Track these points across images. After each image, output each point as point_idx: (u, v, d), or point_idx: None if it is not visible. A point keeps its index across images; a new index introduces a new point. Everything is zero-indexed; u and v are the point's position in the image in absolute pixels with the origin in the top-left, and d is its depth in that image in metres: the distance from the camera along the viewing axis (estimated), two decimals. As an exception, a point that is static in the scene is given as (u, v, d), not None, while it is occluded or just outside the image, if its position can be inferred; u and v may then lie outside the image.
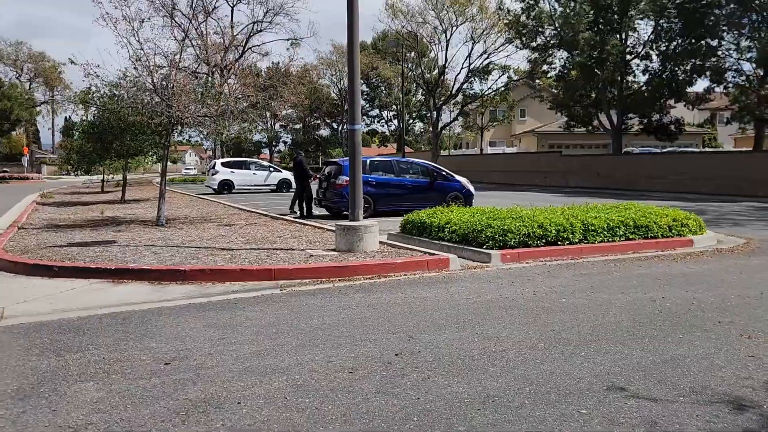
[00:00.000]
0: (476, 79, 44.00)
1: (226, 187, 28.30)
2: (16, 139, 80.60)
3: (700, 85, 36.72)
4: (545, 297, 6.49)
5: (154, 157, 22.70)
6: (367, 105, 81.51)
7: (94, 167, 25.74)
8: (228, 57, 37.43)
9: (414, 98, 76.80)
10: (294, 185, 30.72)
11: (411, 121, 79.39)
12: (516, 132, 58.86)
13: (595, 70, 32.55)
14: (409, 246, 10.04)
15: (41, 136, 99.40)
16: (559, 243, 9.52)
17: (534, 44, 35.09)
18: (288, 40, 44.23)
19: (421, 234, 10.60)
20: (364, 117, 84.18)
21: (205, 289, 7.43)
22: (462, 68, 42.47)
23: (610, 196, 25.50)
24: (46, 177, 64.69)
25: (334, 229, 12.39)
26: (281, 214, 16.52)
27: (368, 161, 15.97)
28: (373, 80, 77.63)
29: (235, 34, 36.98)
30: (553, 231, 9.52)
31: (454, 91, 43.03)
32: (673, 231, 10.46)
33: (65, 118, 71.82)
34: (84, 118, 19.77)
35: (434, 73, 45.87)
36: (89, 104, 15.71)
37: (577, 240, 9.59)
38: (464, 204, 16.48)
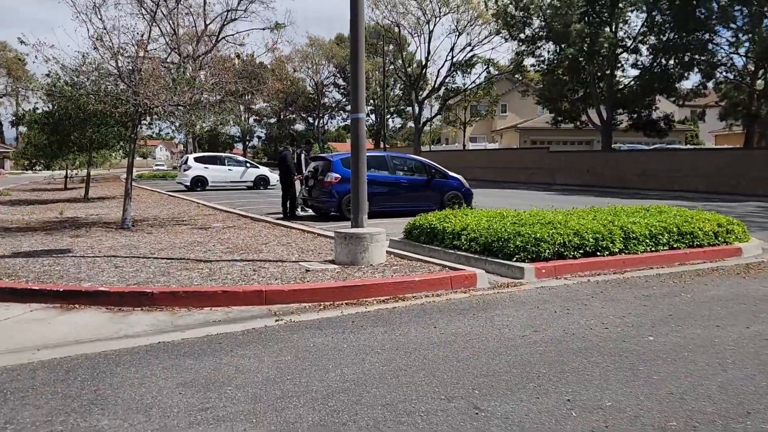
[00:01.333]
0: (459, 72, 42.70)
1: (199, 183, 26.46)
2: (-26, 133, 76.90)
3: (691, 80, 35.83)
4: (623, 333, 5.06)
5: (121, 151, 20.83)
6: (344, 99, 79.84)
7: (55, 162, 23.73)
8: (200, 48, 35.40)
9: (392, 92, 75.42)
10: (273, 181, 29.32)
11: (389, 116, 77.93)
12: (497, 127, 57.76)
13: (585, 64, 31.44)
14: (420, 256, 8.56)
15: (4, 130, 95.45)
16: (599, 253, 8.13)
17: (522, 36, 33.82)
18: (264, 29, 42.27)
19: (432, 241, 9.12)
20: (340, 111, 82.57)
21: (178, 317, 5.85)
22: (445, 61, 41.22)
23: (603, 195, 24.38)
24: (8, 173, 61.61)
25: (326, 234, 10.88)
26: (263, 215, 14.90)
27: (360, 157, 14.43)
28: (350, 74, 76.02)
29: (207, 22, 35.06)
30: (591, 239, 8.13)
31: (436, 85, 41.59)
32: (719, 238, 9.17)
33: (16, 109, 68.12)
34: (37, 107, 17.73)
35: (414, 66, 44.44)
36: (37, 90, 13.73)
37: (617, 250, 8.22)
38: (463, 204, 15.06)
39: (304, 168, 15.51)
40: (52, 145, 17.66)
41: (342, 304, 6.30)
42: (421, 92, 42.62)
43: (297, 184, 15.15)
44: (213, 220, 14.52)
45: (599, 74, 32.68)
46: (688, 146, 43.16)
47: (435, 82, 41.29)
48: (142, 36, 12.30)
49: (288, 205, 15.15)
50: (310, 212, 15.48)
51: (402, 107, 71.29)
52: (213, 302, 6.23)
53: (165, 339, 5.12)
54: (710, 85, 33.18)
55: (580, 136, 48.94)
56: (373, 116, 78.30)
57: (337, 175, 13.77)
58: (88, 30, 11.76)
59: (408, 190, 14.40)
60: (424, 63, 40.45)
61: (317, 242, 10.11)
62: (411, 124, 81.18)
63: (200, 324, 5.63)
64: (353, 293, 6.50)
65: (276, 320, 5.67)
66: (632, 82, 33.32)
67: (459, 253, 8.38)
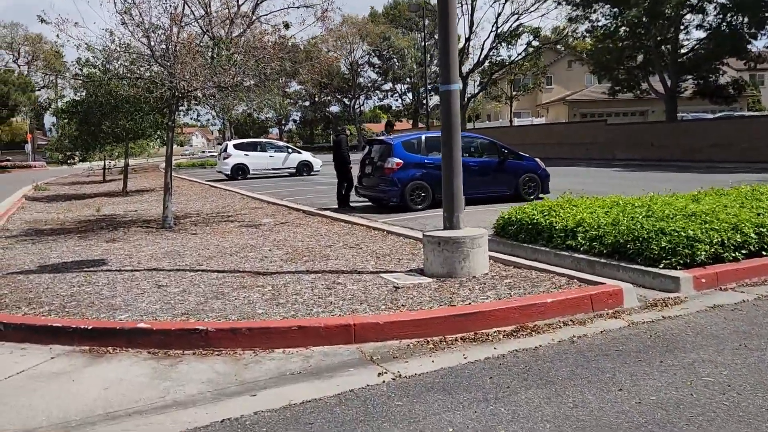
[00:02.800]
0: (504, 44, 40.32)
1: (240, 172, 25.14)
2: (17, 126, 77.63)
3: (762, 41, 32.75)
4: None
5: (158, 140, 19.56)
6: (380, 79, 77.84)
7: (91, 154, 22.65)
8: (234, 30, 33.90)
9: (430, 69, 73.03)
10: (317, 167, 27.84)
11: (426, 94, 75.68)
12: (542, 101, 55.11)
13: (649, 27, 28.85)
14: (526, 261, 6.88)
15: (45, 122, 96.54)
16: (764, 253, 6.32)
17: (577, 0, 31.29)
18: (299, 7, 40.25)
19: (535, 240, 7.42)
20: (376, 91, 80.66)
21: (242, 367, 4.33)
22: (490, 33, 38.78)
23: (675, 169, 22.15)
24: (49, 165, 61.82)
25: (397, 231, 9.28)
26: (315, 208, 13.37)
27: (422, 138, 12.72)
28: (385, 52, 73.90)
29: (240, 2, 33.22)
30: (753, 235, 6.32)
31: (481, 58, 39.38)
32: None
33: (47, 99, 67.70)
34: (63, 94, 16.41)
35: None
36: (65, 77, 12.22)
37: (788, 247, 6.39)
38: (540, 188, 13.28)
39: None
40: (83, 136, 16.40)
41: (456, 340, 4.68)
42: (465, 66, 40.41)
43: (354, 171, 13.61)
44: (261, 214, 13.06)
45: (661, 38, 30.03)
46: (764, 113, 39.90)
47: (480, 55, 39.12)
48: (175, 9, 10.79)
49: (344, 193, 13.63)
50: (364, 201, 13.89)
51: (438, 85, 68.98)
52: (286, 342, 4.68)
53: (230, 412, 3.58)
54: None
55: (634, 107, 46.13)
56: (410, 95, 76.30)
57: (399, 161, 12.11)
58: (115, 3, 10.31)
59: (478, 175, 12.66)
60: (467, 35, 38.20)
61: (391, 243, 8.51)
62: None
63: (274, 378, 4.09)
64: (468, 323, 4.87)
65: (378, 373, 4.08)
66: (699, 45, 30.57)
67: (577, 256, 6.66)
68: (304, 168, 26.29)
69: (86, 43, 10.42)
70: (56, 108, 15.65)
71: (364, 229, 9.93)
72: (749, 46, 30.68)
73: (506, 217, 8.13)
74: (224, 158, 25.45)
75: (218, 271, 7.07)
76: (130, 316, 5.29)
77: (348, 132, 14.65)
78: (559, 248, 7.01)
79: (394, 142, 12.45)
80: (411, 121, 72.07)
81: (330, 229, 10.27)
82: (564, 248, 6.96)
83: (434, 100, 78.14)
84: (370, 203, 13.71)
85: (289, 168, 26.16)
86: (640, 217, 6.74)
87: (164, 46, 10.91)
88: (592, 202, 8.13)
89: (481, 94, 48.56)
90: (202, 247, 8.86)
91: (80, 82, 13.67)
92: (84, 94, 13.91)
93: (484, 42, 39.56)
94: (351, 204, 13.81)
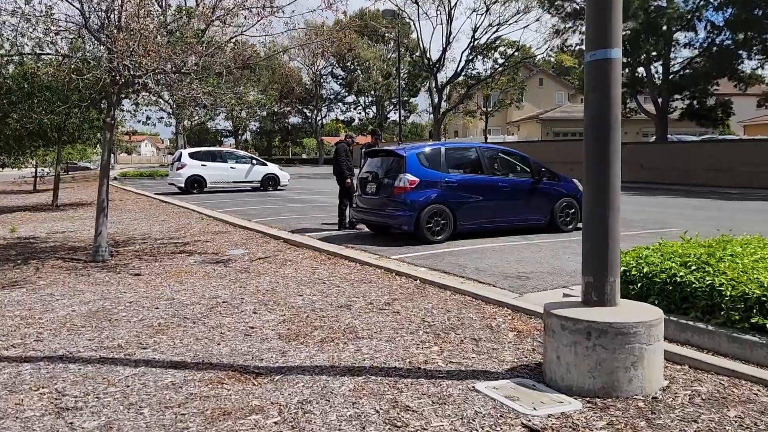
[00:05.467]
0: (481, 57, 38.22)
1: (195, 185, 21.82)
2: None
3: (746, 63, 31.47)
4: None
5: (99, 146, 16.23)
6: (343, 90, 75.15)
7: (20, 159, 19.06)
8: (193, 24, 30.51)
9: (394, 83, 70.80)
10: (284, 182, 24.79)
11: (390, 108, 73.42)
12: (513, 119, 53.44)
13: (645, 41, 27.05)
14: (691, 353, 4.17)
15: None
16: None
17: (568, 8, 29.31)
18: (257, 7, 37.22)
19: (677, 308, 4.71)
20: (339, 104, 77.88)
21: None
22: (468, 45, 36.53)
23: (676, 194, 20.18)
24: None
25: (436, 280, 6.45)
26: (300, 233, 10.40)
27: (442, 150, 9.93)
28: (349, 63, 71.35)
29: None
30: None
31: (458, 70, 37.05)
32: None
33: None
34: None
35: (427, 51, 39.77)
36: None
37: None
38: (579, 217, 10.71)
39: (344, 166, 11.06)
40: (-1, 136, 12.94)
41: None
42: (438, 79, 38.05)
43: (354, 184, 10.79)
44: (229, 242, 10.01)
45: (656, 54, 28.36)
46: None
47: (457, 67, 36.75)
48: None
49: (346, 214, 10.92)
50: (362, 228, 11.05)
51: (405, 98, 66.78)
52: None
53: None
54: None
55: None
56: (374, 108, 73.83)
57: (414, 178, 9.31)
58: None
59: (509, 198, 9.99)
60: (444, 45, 35.92)
61: (438, 301, 5.68)
62: (414, 117, 76.82)
63: None
64: None
65: None
66: (692, 62, 29.04)
67: (780, 345, 3.98)
68: (270, 182, 23.18)
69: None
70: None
71: (382, 274, 7.05)
72: (741, 66, 29.37)
73: (650, 277, 5.37)
74: (178, 168, 22.07)
75: (175, 366, 4.07)
76: None
77: (352, 139, 11.69)
78: (738, 328, 4.31)
79: (407, 153, 9.62)
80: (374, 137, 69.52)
81: (332, 270, 7.35)
82: (750, 330, 4.27)
83: (393, 117, 75.92)
84: (368, 230, 10.87)
85: (252, 181, 22.99)
86: None
87: (103, 13, 7.88)
88: (748, 247, 5.48)
89: (459, 108, 46.37)
90: (147, 304, 5.82)
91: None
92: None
93: (462, 53, 37.18)
94: (346, 225, 11.00)
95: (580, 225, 10.76)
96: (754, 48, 27.95)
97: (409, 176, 9.35)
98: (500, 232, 10.03)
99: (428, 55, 36.50)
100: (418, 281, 6.55)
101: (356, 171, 11.04)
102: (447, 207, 9.44)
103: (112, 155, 63.39)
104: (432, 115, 38.49)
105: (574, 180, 11.11)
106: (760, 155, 24.17)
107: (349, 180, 10.92)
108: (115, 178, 34.25)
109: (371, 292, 6.14)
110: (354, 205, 10.47)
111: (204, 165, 22.23)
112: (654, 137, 37.42)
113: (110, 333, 4.84)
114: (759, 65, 29.52)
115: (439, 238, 9.36)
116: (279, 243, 9.83)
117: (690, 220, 12.52)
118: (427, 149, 9.91)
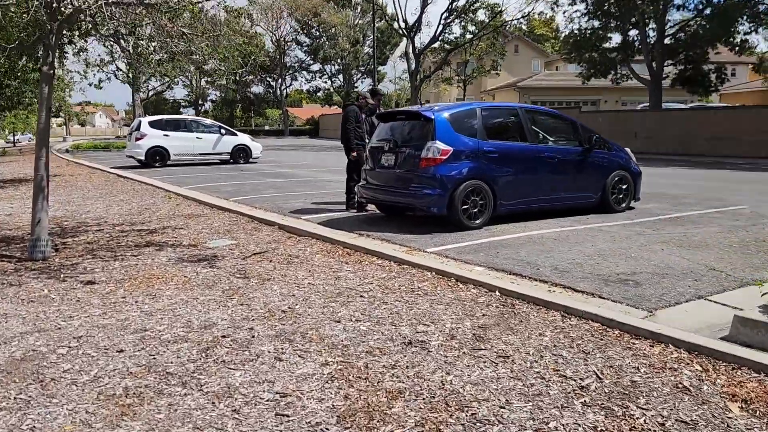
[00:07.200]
0: (459, 20, 36.08)
1: (157, 157, 19.34)
2: None
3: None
4: None
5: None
6: (308, 59, 71.86)
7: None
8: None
9: (362, 50, 67.94)
10: (256, 153, 22.44)
11: (358, 77, 70.62)
12: (488, 87, 51.57)
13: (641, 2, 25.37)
14: None
15: None
16: None
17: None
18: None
19: None
20: (303, 72, 74.58)
21: None
22: (446, 9, 34.28)
23: (669, 164, 18.84)
24: None
25: (525, 292, 4.52)
26: (295, 216, 8.36)
27: (478, 111, 7.95)
28: (315, 30, 68.08)
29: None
30: None
31: (437, 34, 34.81)
32: None
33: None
34: None
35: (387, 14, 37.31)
36: None
37: None
38: (633, 194, 8.96)
39: (367, 135, 9.01)
40: None
41: None
42: (419, 43, 35.78)
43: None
44: (209, 229, 7.92)
45: (652, 16, 26.75)
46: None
47: (436, 31, 34.46)
48: None
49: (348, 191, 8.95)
50: (371, 208, 9.08)
51: (372, 67, 64.18)
52: None
53: None
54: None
55: (585, 96, 43.41)
56: (340, 77, 70.91)
57: (447, 147, 7.33)
58: None
59: (557, 172, 8.13)
60: (421, 5, 33.58)
61: (556, 333, 3.81)
62: (382, 86, 74.02)
63: None
64: None
65: None
66: (690, 25, 27.51)
67: None
68: (241, 154, 20.85)
69: None
70: None
71: (434, 279, 5.12)
72: (741, 28, 27.99)
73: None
74: (137, 139, 19.51)
75: None
76: None
77: (366, 101, 9.36)
78: None
79: (435, 116, 7.61)
80: (342, 106, 67.03)
81: (361, 272, 5.38)
82: None
83: (367, 82, 73.03)
84: (378, 211, 8.90)
85: (221, 153, 20.62)
86: None
87: None
88: None
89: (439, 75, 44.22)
90: (105, 341, 3.77)
91: None
92: None
93: (441, 15, 34.97)
94: (354, 205, 9.04)
95: (633, 204, 9.04)
96: (745, 10, 26.64)
97: (440, 145, 7.37)
98: (544, 214, 8.21)
99: (404, 17, 34.18)
100: (497, 293, 4.64)
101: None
102: (486, 183, 7.53)
103: (64, 126, 59.19)
104: (408, 83, 36.29)
105: (627, 149, 9.32)
106: (761, 123, 22.89)
107: (355, 152, 8.87)
108: (67, 150, 31.27)
109: (438, 312, 4.22)
110: (363, 182, 8.44)
111: (166, 135, 19.75)
112: (640, 105, 36.22)
113: (39, 422, 2.79)
114: (752, 29, 28.22)
115: (477, 222, 7.47)
116: (273, 230, 7.78)
117: (738, 193, 10.95)
118: (460, 110, 7.92)
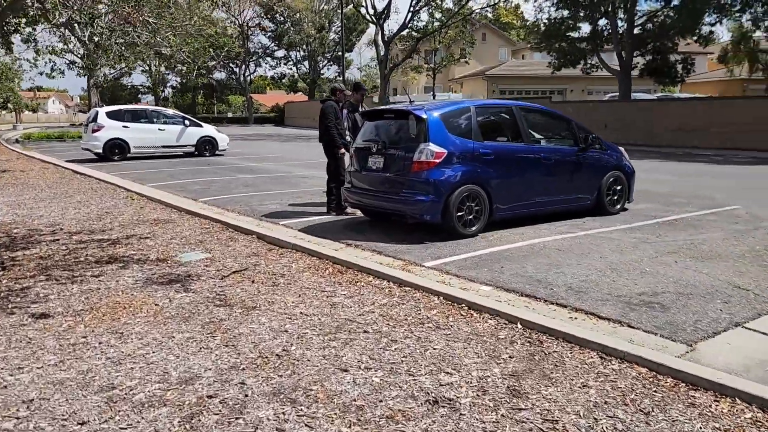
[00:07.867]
0: (427, 7, 35.42)
1: (116, 150, 18.27)
2: None
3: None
4: None
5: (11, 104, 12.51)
6: (273, 44, 70.21)
7: None
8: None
9: (328, 36, 66.73)
10: (223, 145, 21.45)
11: (324, 63, 69.41)
12: (456, 76, 51.14)
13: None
14: None
15: None
16: None
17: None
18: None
19: None
20: (268, 58, 72.87)
21: None
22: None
23: (638, 156, 18.62)
24: None
25: (557, 327, 3.96)
26: (269, 220, 7.69)
27: (473, 109, 7.39)
28: (279, 15, 66.50)
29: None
30: None
31: (406, 20, 34.09)
32: None
33: None
34: None
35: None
36: None
37: None
38: (627, 195, 8.57)
39: (350, 133, 8.36)
40: None
41: None
42: (388, 30, 34.99)
43: (345, 159, 8.14)
44: (179, 238, 7.19)
45: (622, 5, 26.60)
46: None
47: (405, 18, 33.76)
48: None
49: (334, 193, 8.29)
50: (352, 210, 8.45)
51: (340, 53, 63.06)
52: None
53: None
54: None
55: (552, 85, 43.35)
56: (306, 64, 69.55)
57: (440, 150, 6.75)
58: None
59: (553, 173, 7.65)
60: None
61: (600, 383, 3.29)
62: (348, 74, 72.82)
63: None
64: None
65: None
66: (658, 15, 27.47)
67: None
68: (207, 146, 19.89)
69: None
70: None
71: (442, 305, 4.55)
72: (708, 19, 28.11)
73: None
74: (94, 131, 18.37)
75: None
76: None
77: (343, 93, 8.57)
78: None
79: (428, 115, 7.00)
80: (307, 94, 65.81)
81: (358, 297, 4.77)
82: None
83: (333, 70, 71.79)
84: (362, 215, 8.29)
85: (185, 146, 19.63)
86: None
87: None
88: None
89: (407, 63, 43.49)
90: (64, 407, 3.08)
91: None
92: None
93: (410, 2, 34.19)
94: (333, 208, 8.42)
95: (627, 205, 8.65)
96: (712, 2, 26.74)
97: (434, 147, 6.79)
98: (538, 218, 7.74)
99: (372, 3, 33.33)
100: (518, 326, 4.09)
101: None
102: (482, 188, 6.99)
103: (14, 113, 56.37)
104: (377, 71, 35.50)
105: (620, 148, 8.90)
106: (729, 114, 23.00)
107: (343, 150, 8.22)
108: (17, 141, 29.52)
109: (457, 352, 3.65)
110: (348, 185, 7.80)
111: (126, 126, 18.68)
112: (607, 95, 36.27)
113: None
114: (717, 20, 28.38)
115: (473, 229, 6.94)
116: (251, 240, 7.10)
117: (724, 190, 10.70)
118: (453, 109, 7.34)
